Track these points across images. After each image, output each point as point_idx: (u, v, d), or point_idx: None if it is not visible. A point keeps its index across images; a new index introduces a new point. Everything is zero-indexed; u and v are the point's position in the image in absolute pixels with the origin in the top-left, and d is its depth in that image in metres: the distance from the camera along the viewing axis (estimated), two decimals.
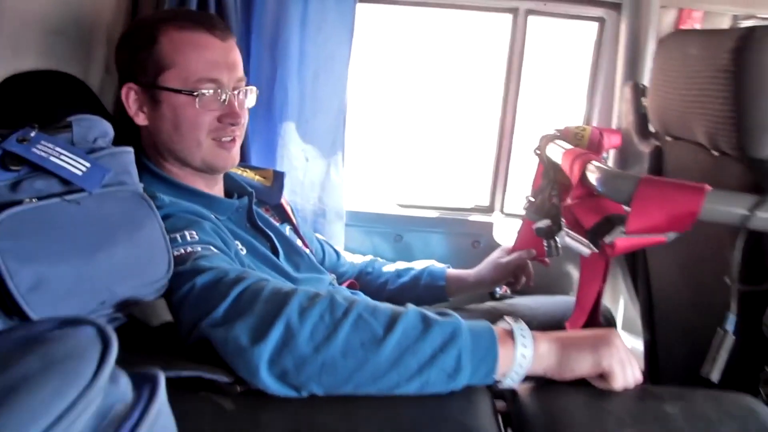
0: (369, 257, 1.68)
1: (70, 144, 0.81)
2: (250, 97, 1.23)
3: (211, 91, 1.12)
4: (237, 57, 1.18)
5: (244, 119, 1.19)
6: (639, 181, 0.96)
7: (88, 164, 0.79)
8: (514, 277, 1.57)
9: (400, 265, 1.62)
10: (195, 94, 1.10)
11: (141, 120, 1.15)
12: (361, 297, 1.28)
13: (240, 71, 1.18)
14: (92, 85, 1.37)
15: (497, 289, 1.66)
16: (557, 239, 1.44)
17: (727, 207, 0.94)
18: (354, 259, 1.66)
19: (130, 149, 0.92)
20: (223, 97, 1.13)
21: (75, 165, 0.77)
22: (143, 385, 0.42)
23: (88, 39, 1.38)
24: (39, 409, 0.34)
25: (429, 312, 0.87)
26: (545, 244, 1.47)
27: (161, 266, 0.87)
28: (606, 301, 1.82)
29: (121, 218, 0.83)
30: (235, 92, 1.16)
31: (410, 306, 0.88)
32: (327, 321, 0.82)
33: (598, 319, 1.33)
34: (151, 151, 1.18)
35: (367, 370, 0.81)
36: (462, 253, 1.91)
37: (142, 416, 0.39)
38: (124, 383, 0.42)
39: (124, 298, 0.80)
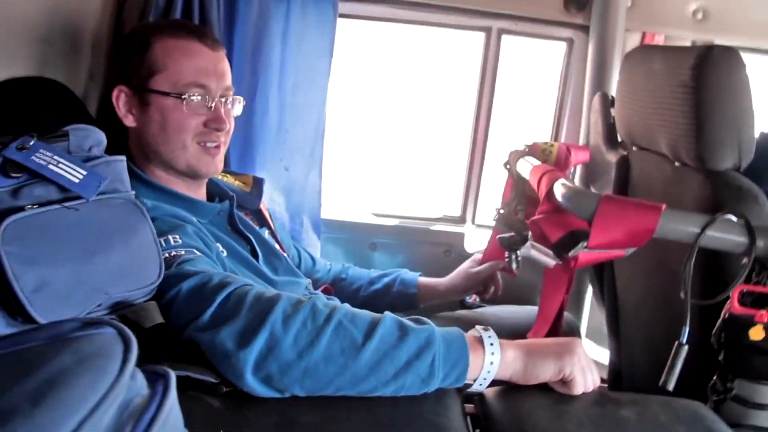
0: (343, 264, 1.72)
1: (66, 152, 0.84)
2: (237, 107, 1.27)
3: (199, 97, 1.16)
4: (226, 67, 1.22)
5: (230, 126, 1.23)
6: (600, 199, 1.01)
7: (84, 172, 0.82)
8: (484, 286, 1.61)
9: (374, 272, 1.66)
10: (183, 97, 1.14)
11: (129, 122, 1.18)
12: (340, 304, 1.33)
13: (228, 80, 1.22)
14: (76, 92, 1.38)
15: (467, 298, 1.70)
16: (518, 252, 1.49)
17: (681, 225, 0.99)
18: (329, 265, 1.69)
19: (123, 158, 0.95)
20: (211, 103, 1.17)
21: (72, 173, 0.80)
22: (157, 381, 0.46)
23: (72, 46, 1.39)
24: (76, 402, 0.38)
25: (405, 320, 0.91)
26: (506, 255, 1.51)
27: (153, 270, 0.91)
28: (570, 311, 1.89)
29: (116, 224, 0.87)
30: (223, 100, 1.20)
31: (387, 313, 0.92)
32: (309, 328, 0.85)
33: (560, 329, 1.38)
34: (137, 154, 1.21)
35: (347, 375, 0.85)
36: (434, 261, 1.96)
37: (159, 409, 0.44)
38: (141, 379, 0.46)
39: (118, 300, 0.83)
